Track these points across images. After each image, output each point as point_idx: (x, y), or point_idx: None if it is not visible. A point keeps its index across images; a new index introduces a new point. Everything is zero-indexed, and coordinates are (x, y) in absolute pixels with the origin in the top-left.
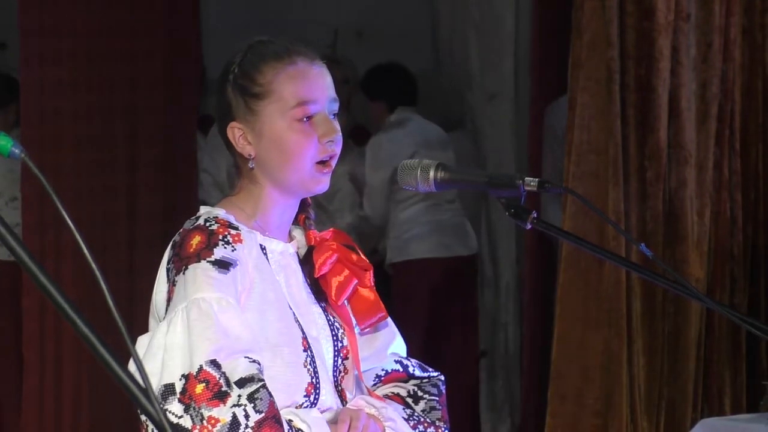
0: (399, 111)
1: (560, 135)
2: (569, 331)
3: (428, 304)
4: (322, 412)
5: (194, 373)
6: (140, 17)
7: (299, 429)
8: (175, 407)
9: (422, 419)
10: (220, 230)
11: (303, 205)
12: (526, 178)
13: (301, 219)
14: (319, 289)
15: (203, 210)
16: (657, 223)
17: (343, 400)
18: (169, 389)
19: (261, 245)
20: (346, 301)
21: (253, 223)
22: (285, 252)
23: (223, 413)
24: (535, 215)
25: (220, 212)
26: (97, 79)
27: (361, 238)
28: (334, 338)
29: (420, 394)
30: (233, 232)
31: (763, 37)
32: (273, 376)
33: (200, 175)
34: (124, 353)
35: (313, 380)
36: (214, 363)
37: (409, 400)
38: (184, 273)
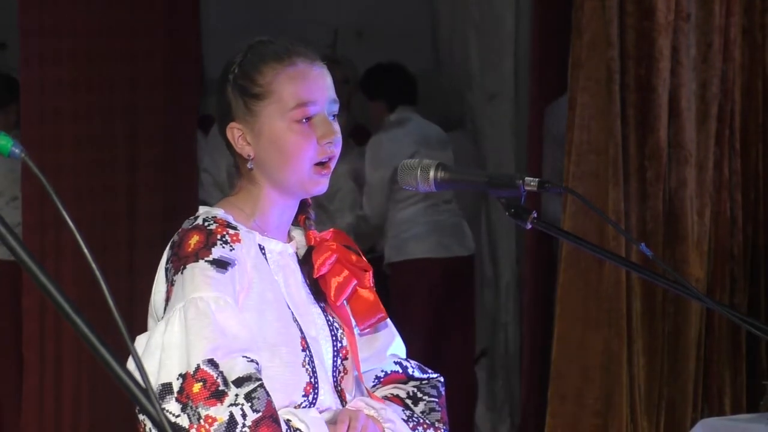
0: (399, 110)
1: (556, 135)
2: (569, 331)
3: (426, 304)
4: (320, 412)
5: (191, 372)
6: (140, 17)
7: (297, 429)
8: (172, 406)
9: (422, 420)
10: (219, 230)
11: (303, 205)
12: (526, 178)
13: (301, 219)
14: (318, 290)
15: (202, 210)
16: (657, 223)
17: (342, 400)
18: (166, 388)
19: (260, 245)
20: (345, 302)
21: (252, 223)
22: (284, 252)
23: (220, 412)
24: (535, 215)
25: (218, 212)
26: (97, 79)
27: (359, 237)
28: (333, 338)
29: (419, 395)
30: (231, 231)
31: (763, 37)
32: (271, 376)
33: (201, 175)
34: (124, 353)
35: (312, 380)
36: (212, 362)
37: (409, 402)
38: (182, 272)
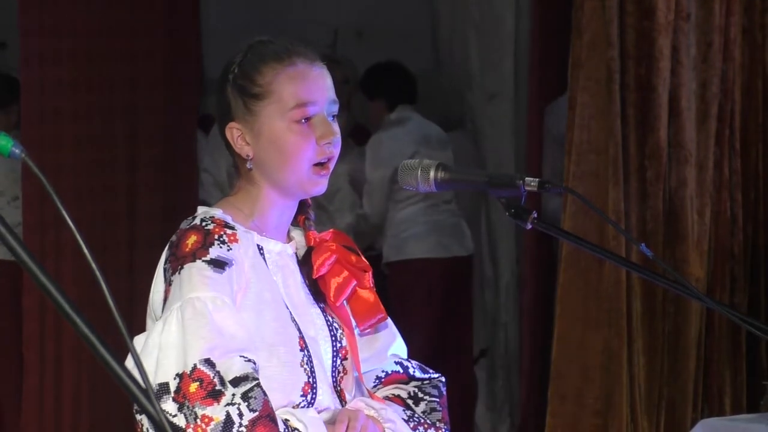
0: (399, 110)
1: (556, 135)
2: (569, 331)
3: (425, 304)
4: (319, 412)
5: (188, 372)
6: (140, 17)
7: (295, 428)
8: (169, 406)
9: (423, 420)
10: (216, 230)
11: (303, 205)
12: (527, 178)
13: (300, 220)
14: (318, 290)
15: (200, 210)
16: (657, 222)
17: (341, 400)
18: (163, 388)
19: (258, 245)
20: (345, 302)
21: (251, 224)
22: (283, 252)
23: (216, 412)
24: (535, 215)
25: (216, 212)
26: (97, 79)
27: (358, 236)
28: (333, 339)
29: (420, 395)
30: (229, 231)
31: (763, 37)
32: (269, 376)
33: (201, 175)
34: (124, 353)
35: (310, 380)
36: (208, 362)
37: (410, 402)
38: (179, 272)
